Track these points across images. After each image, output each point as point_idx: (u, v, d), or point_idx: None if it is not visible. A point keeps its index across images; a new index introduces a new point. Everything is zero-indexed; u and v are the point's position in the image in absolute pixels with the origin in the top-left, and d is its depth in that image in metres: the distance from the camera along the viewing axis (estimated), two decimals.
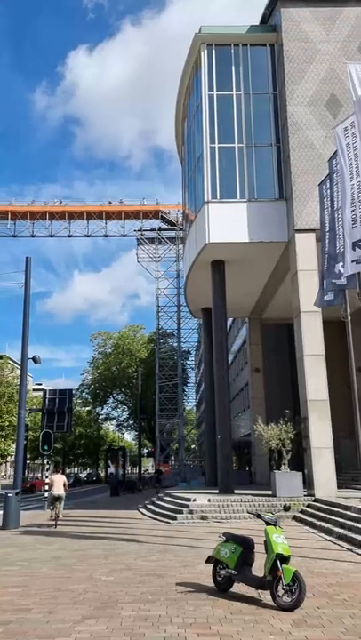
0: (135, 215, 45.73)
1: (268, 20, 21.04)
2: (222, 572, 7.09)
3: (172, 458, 48.11)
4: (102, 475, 63.79)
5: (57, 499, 16.08)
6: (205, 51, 20.63)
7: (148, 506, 19.78)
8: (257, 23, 21.45)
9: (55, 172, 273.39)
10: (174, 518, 15.74)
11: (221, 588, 7.18)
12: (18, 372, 38.67)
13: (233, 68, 20.58)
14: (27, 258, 19.69)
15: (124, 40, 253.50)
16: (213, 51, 20.67)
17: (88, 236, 46.75)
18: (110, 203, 46.63)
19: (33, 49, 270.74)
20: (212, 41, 20.66)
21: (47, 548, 11.62)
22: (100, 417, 69.81)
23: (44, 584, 7.97)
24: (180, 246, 41.98)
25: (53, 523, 15.52)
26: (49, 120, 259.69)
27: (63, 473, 19.71)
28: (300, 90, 19.30)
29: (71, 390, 32.25)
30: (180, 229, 41.29)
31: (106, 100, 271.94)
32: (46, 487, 20.00)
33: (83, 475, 71.55)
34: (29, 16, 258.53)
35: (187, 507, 16.39)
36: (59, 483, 16.43)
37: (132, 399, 56.50)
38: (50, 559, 10.18)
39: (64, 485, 16.52)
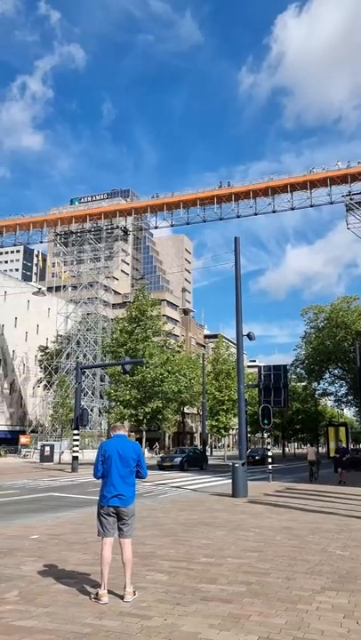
0: (342, 179, 43.31)
1: None
2: None
3: None
4: (323, 450, 62.89)
5: (312, 463, 22.96)
6: None
7: None
8: None
9: (262, 148, 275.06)
10: None
11: None
12: (232, 349, 40.21)
13: None
14: (235, 238, 20.11)
15: None
16: None
17: (293, 209, 46.02)
18: (313, 170, 45.02)
19: (239, 26, 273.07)
20: None
21: (277, 518, 11.85)
22: (317, 392, 68.83)
23: (279, 552, 8.11)
24: None
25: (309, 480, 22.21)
26: (255, 98, 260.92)
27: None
28: None
29: (285, 366, 32.10)
30: None
31: (314, 61, 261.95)
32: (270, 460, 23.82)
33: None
34: None
35: None
36: (311, 452, 23.72)
37: (351, 374, 54.17)
38: (281, 528, 10.35)
39: (315, 454, 23.35)
